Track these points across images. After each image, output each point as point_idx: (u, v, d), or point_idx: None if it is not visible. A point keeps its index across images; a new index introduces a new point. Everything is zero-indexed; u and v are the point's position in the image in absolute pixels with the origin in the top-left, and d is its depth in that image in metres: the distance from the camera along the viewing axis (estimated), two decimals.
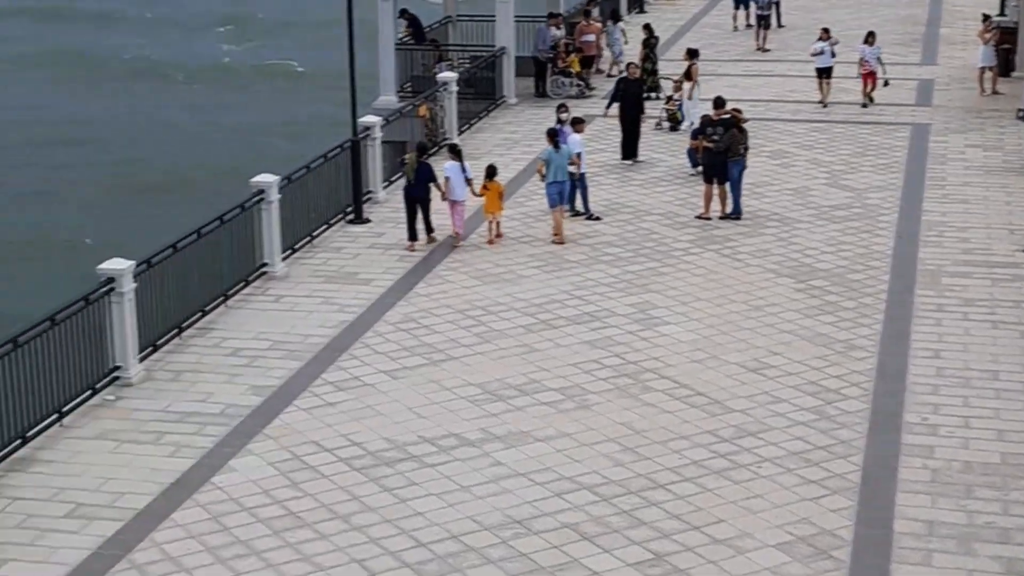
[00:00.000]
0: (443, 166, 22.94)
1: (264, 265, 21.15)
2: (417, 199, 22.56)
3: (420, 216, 22.57)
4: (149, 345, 18.01)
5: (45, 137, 44.23)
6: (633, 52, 33.35)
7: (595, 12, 35.61)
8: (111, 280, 17.06)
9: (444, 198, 22.58)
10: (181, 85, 52.30)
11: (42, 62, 55.21)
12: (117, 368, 17.25)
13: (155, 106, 48.88)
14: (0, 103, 48.71)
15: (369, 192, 24.85)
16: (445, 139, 27.55)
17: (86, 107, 48.46)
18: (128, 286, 17.21)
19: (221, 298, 19.90)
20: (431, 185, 22.53)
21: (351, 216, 23.96)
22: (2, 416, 15.16)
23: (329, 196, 23.50)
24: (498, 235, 22.89)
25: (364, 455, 15.43)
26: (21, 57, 56.14)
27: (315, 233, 22.94)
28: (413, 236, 22.55)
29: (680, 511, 14.18)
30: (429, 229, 22.73)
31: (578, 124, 24.58)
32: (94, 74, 53.25)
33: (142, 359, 17.70)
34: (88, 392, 16.70)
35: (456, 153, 23.10)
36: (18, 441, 15.41)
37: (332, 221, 23.57)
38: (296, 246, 22.24)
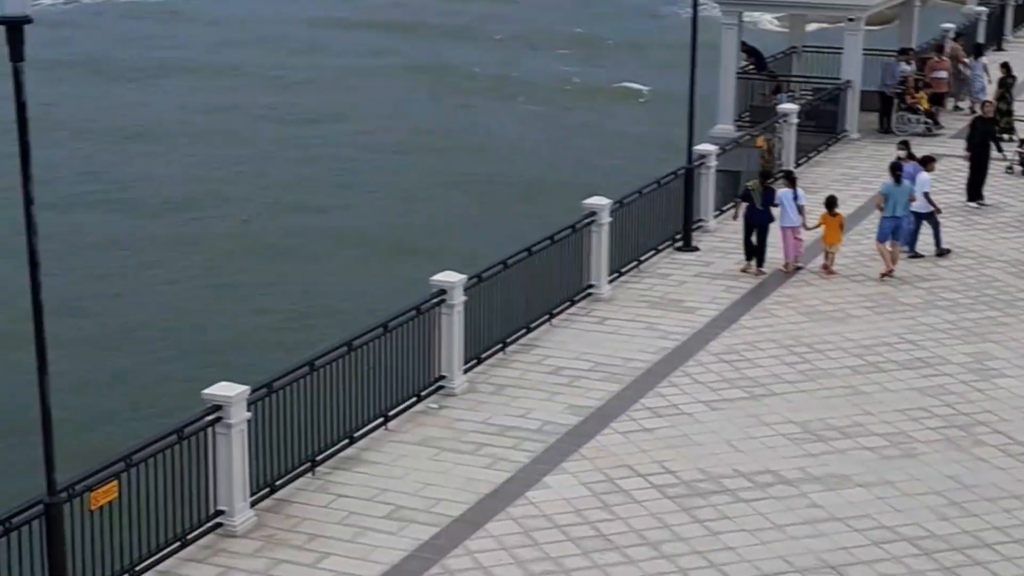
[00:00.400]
0: (777, 193, 22.65)
1: (590, 286, 21.29)
2: (758, 224, 22.41)
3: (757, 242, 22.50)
4: (474, 357, 18.38)
5: (399, 145, 46.19)
6: (989, 91, 32.02)
7: (948, 47, 34.33)
8: (442, 292, 17.51)
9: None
10: (526, 102, 53.49)
11: (399, 74, 57.63)
12: (442, 378, 17.68)
13: (501, 121, 50.17)
14: (361, 112, 51.14)
15: (700, 220, 24.70)
16: (781, 171, 27.08)
17: (437, 118, 50.26)
18: (458, 299, 17.62)
19: (546, 316, 20.13)
20: (772, 210, 22.38)
21: (680, 243, 23.87)
22: (333, 415, 15.78)
23: (659, 222, 23.47)
24: (831, 271, 22.38)
25: (677, 484, 15.28)
26: (380, 68, 58.79)
27: (642, 258, 22.95)
28: (749, 256, 22.41)
29: (1007, 573, 13.41)
30: (760, 261, 22.47)
31: (929, 163, 23.83)
32: (447, 88, 55.20)
33: (466, 371, 18.08)
34: (413, 399, 17.18)
35: (791, 180, 22.84)
36: (346, 440, 16.00)
37: (660, 247, 23.53)
38: (623, 269, 22.30)
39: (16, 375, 23.43)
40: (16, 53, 11.42)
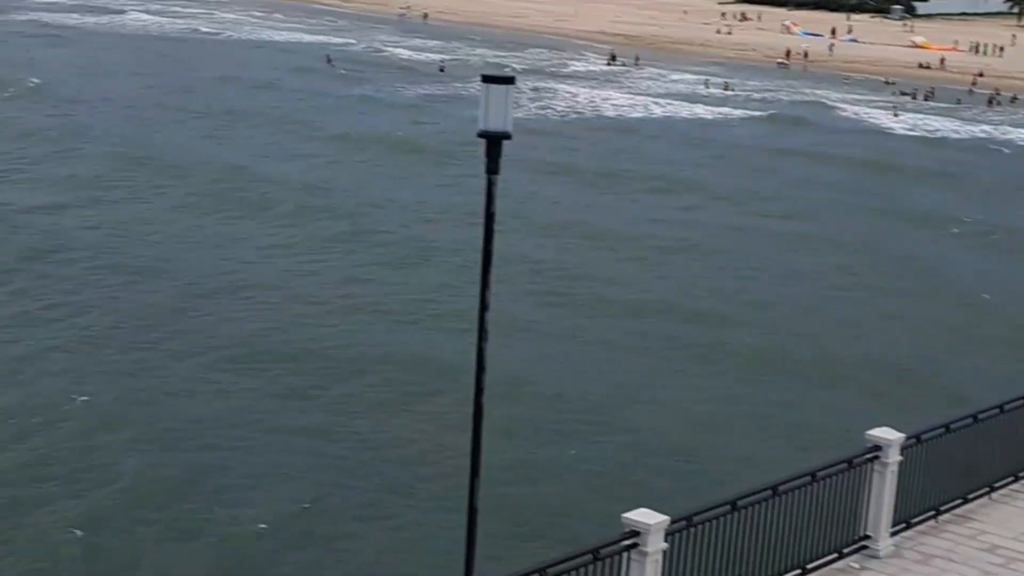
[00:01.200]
0: None
1: None
2: None
3: None
4: (903, 521, 17.50)
5: (870, 283, 46.00)
6: None
7: None
8: (877, 448, 16.83)
9: None
10: (1007, 255, 52.05)
11: (872, 213, 57.54)
12: (867, 537, 16.91)
13: (976, 271, 48.87)
14: (834, 243, 51.26)
15: None
16: None
17: (910, 259, 49.71)
18: (894, 458, 16.86)
19: (986, 488, 18.92)
20: None
21: None
22: (749, 557, 15.33)
23: None
24: None
25: None
26: (852, 205, 59.01)
27: None
28: None
29: None
30: None
31: None
32: (923, 230, 54.74)
33: (893, 534, 17.23)
34: (834, 555, 16.51)
35: None
36: None
37: None
38: None
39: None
40: (492, 165, 11.95)
